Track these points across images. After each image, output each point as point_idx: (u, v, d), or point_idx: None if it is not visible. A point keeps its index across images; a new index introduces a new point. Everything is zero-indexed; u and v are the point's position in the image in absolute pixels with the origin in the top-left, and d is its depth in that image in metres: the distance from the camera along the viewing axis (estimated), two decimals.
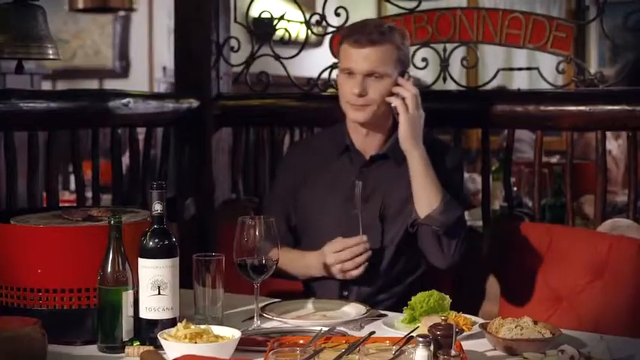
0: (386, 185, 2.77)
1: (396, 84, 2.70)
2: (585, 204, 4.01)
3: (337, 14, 3.47)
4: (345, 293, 2.75)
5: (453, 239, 2.66)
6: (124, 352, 2.04)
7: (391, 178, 2.77)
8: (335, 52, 2.75)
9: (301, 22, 3.61)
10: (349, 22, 3.41)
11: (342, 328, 2.24)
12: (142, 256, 2.09)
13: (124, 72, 8.26)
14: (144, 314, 2.08)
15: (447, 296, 2.31)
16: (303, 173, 2.87)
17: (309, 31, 3.59)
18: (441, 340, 1.90)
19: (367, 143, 2.80)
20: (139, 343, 2.06)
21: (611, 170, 4.84)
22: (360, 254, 2.62)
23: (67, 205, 3.40)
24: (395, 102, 2.68)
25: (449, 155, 2.81)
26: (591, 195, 3.27)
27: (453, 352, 1.87)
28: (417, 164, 2.66)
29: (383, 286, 2.77)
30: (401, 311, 2.37)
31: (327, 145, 2.90)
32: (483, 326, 2.15)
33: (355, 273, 2.64)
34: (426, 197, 2.65)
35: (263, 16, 3.71)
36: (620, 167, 5.11)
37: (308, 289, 2.83)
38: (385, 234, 2.76)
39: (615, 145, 5.13)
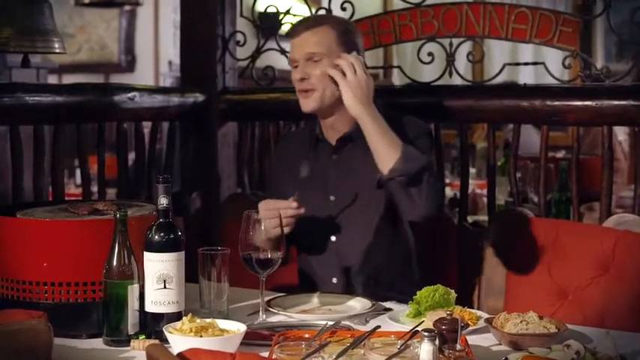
0: (358, 168, 2.75)
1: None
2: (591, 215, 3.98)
3: (343, 9, 3.46)
4: (335, 280, 2.75)
5: (420, 185, 2.60)
6: (129, 346, 2.04)
7: (363, 161, 2.72)
8: None
9: None
10: (355, 17, 3.42)
11: (347, 323, 2.24)
12: (147, 250, 2.09)
13: (129, 66, 8.28)
14: (149, 308, 2.09)
15: (452, 291, 2.31)
16: (285, 168, 2.88)
17: None
18: (446, 335, 1.90)
19: (333, 130, 2.81)
20: (144, 336, 2.06)
21: (619, 160, 4.85)
22: (290, 216, 2.54)
23: (72, 198, 3.40)
24: (331, 72, 2.67)
25: (415, 124, 2.79)
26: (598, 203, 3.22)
27: (458, 347, 1.87)
28: (370, 123, 2.62)
29: (369, 271, 2.75)
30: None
31: (302, 138, 2.92)
32: (488, 321, 2.15)
33: (278, 231, 2.48)
34: (385, 153, 2.60)
35: (269, 10, 3.71)
36: (628, 159, 5.12)
37: (303, 279, 2.84)
38: (362, 216, 2.74)
39: (625, 137, 5.14)
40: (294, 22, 2.83)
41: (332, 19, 2.78)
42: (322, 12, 3.54)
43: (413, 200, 2.61)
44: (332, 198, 2.76)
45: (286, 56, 3.61)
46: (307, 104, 2.74)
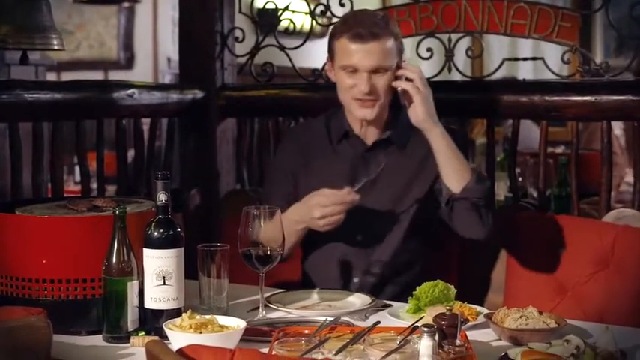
0: (390, 171, 2.74)
1: (398, 67, 2.68)
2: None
3: (342, 4, 3.46)
4: (356, 280, 2.74)
5: (490, 209, 2.66)
6: (129, 342, 2.04)
7: (395, 164, 2.75)
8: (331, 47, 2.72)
9: (306, 13, 3.61)
10: None
11: (347, 318, 2.23)
12: (146, 247, 2.09)
13: (128, 63, 8.26)
14: (149, 304, 2.09)
15: (452, 286, 2.32)
16: (302, 160, 2.83)
17: (314, 22, 3.59)
18: (446, 330, 1.90)
19: (367, 130, 2.78)
20: (144, 333, 2.06)
21: (616, 154, 4.85)
22: (344, 210, 2.54)
23: (71, 195, 3.39)
24: (405, 85, 2.65)
25: (456, 134, 2.77)
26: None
27: (457, 342, 1.87)
28: (441, 140, 2.64)
29: (389, 276, 2.75)
30: (406, 300, 2.37)
31: (325, 131, 2.86)
32: (488, 316, 2.15)
33: (335, 225, 2.56)
34: (456, 172, 2.63)
35: (267, 6, 3.71)
36: (623, 153, 5.13)
37: (307, 280, 2.83)
38: (390, 221, 2.74)
39: (620, 132, 5.15)
40: (351, 21, 2.72)
41: (389, 22, 2.72)
42: (321, 8, 3.54)
43: (482, 221, 2.65)
44: (361, 197, 2.73)
45: (285, 53, 3.63)
46: (367, 114, 2.69)
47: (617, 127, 5.07)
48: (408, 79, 2.66)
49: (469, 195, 2.62)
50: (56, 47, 2.80)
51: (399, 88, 2.68)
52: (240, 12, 3.79)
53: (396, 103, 2.74)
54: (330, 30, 2.85)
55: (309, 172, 2.79)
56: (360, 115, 2.71)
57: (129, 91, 3.39)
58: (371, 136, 2.79)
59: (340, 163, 2.78)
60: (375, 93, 2.66)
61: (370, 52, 2.63)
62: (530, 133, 4.97)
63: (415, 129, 2.70)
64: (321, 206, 2.53)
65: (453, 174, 2.63)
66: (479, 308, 2.28)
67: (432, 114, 2.65)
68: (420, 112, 2.64)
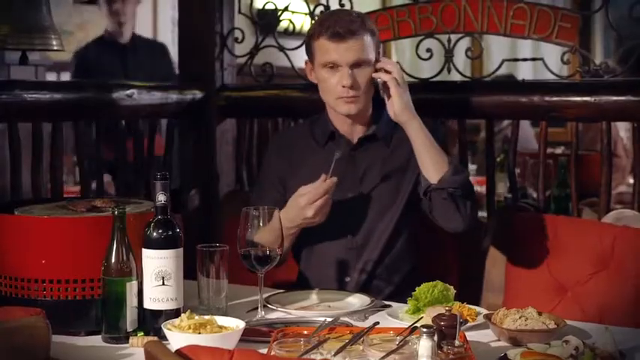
0: (377, 167, 2.77)
1: (377, 62, 2.72)
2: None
3: (341, 5, 3.45)
4: (348, 279, 2.75)
5: (468, 199, 2.65)
6: (128, 343, 2.05)
7: (381, 160, 2.77)
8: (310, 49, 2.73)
9: (305, 14, 3.60)
10: None
11: (346, 319, 2.24)
12: (145, 247, 2.09)
13: None
14: (148, 305, 2.09)
15: (452, 287, 2.32)
16: (290, 164, 2.85)
17: (313, 23, 3.58)
18: (445, 331, 1.90)
19: (353, 128, 2.80)
20: (142, 333, 2.06)
21: (621, 157, 4.83)
22: (325, 194, 2.56)
23: (71, 196, 3.39)
24: (384, 77, 2.67)
25: (435, 128, 2.79)
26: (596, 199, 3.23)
27: (456, 343, 1.87)
28: (419, 132, 2.65)
29: (381, 275, 2.76)
30: (399, 300, 2.37)
31: (310, 134, 2.89)
32: (487, 317, 2.15)
33: (327, 215, 2.59)
34: (434, 162, 2.64)
35: (267, 7, 3.70)
36: (629, 156, 5.10)
37: (303, 280, 2.83)
38: (380, 217, 2.75)
39: (626, 135, 5.12)
40: (329, 21, 2.74)
41: (365, 19, 2.76)
42: (320, 8, 3.54)
43: (460, 212, 2.65)
44: (350, 195, 2.75)
45: (285, 53, 3.63)
46: (352, 109, 2.72)
47: (623, 129, 5.05)
48: (386, 72, 2.69)
49: (446, 185, 2.62)
50: (55, 47, 2.80)
51: (378, 80, 2.69)
52: (239, 12, 3.79)
53: (379, 100, 2.76)
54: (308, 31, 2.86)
55: (298, 175, 2.79)
56: (345, 111, 2.73)
57: (128, 92, 3.38)
58: (356, 134, 2.81)
59: (327, 163, 2.77)
60: (357, 87, 2.68)
61: (349, 47, 2.66)
62: (524, 133, 4.95)
63: (398, 124, 2.72)
64: (311, 203, 2.54)
65: (431, 165, 2.64)
66: (478, 309, 2.28)
67: (409, 106, 2.67)
68: (397, 104, 2.66)
